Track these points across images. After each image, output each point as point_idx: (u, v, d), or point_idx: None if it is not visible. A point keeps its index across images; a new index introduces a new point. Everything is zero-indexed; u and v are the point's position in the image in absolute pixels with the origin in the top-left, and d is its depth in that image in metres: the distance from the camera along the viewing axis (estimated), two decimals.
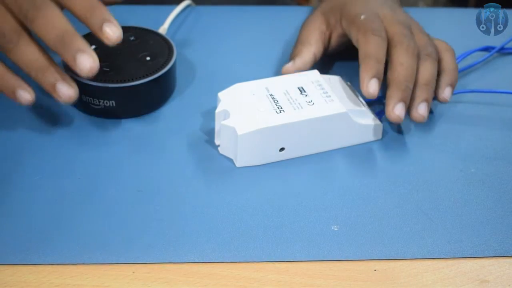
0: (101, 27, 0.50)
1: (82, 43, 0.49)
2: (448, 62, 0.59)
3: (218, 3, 0.77)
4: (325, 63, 0.64)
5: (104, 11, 0.50)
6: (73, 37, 0.49)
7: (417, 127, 0.58)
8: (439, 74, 0.58)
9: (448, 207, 0.50)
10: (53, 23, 0.49)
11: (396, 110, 0.54)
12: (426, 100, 0.55)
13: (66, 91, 0.50)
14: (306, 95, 0.55)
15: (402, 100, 0.54)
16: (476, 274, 0.46)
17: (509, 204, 0.51)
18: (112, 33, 0.50)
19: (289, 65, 0.60)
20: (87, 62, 0.49)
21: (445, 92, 0.57)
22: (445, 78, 0.58)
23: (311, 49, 0.61)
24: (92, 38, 0.60)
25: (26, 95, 0.50)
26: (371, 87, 0.54)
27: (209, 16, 0.71)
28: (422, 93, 0.55)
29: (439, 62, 0.58)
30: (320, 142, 0.54)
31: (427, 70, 0.56)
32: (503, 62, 0.66)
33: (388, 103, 0.54)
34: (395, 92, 0.54)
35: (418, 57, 0.56)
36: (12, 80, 0.50)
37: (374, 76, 0.54)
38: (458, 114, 0.60)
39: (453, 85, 0.58)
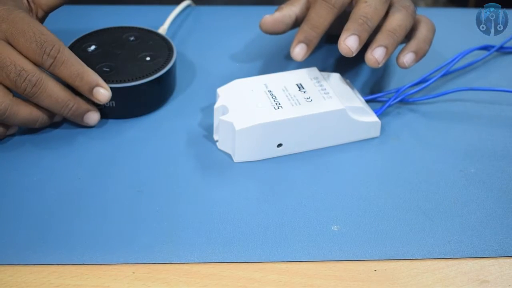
0: (91, 91, 0.53)
1: (88, 105, 0.54)
2: (421, 33, 0.56)
3: (218, 3, 0.77)
4: (324, 60, 0.65)
5: (92, 76, 0.53)
6: (78, 102, 0.54)
7: (416, 126, 0.58)
8: (408, 40, 0.56)
9: (448, 207, 0.50)
10: (56, 97, 0.52)
11: (347, 41, 0.52)
12: (385, 46, 0.53)
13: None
14: (304, 92, 0.55)
15: (357, 33, 0.52)
16: (476, 274, 0.46)
17: (509, 204, 0.51)
18: (103, 94, 0.54)
19: (267, 16, 0.59)
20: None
21: (406, 57, 0.55)
22: (412, 44, 0.56)
23: (293, 8, 0.60)
24: (92, 38, 0.60)
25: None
26: (295, 50, 0.56)
27: (209, 16, 0.71)
28: (383, 38, 0.53)
29: (412, 30, 0.56)
30: (317, 138, 0.54)
31: (396, 19, 0.54)
32: (502, 61, 0.66)
33: (341, 35, 0.53)
34: (351, 25, 0.53)
35: (389, 5, 0.54)
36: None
37: (301, 41, 0.56)
38: (458, 113, 0.60)
39: (418, 54, 0.55)
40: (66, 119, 0.55)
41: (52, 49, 0.51)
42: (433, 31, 0.58)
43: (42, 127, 0.55)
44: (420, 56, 0.57)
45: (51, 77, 0.52)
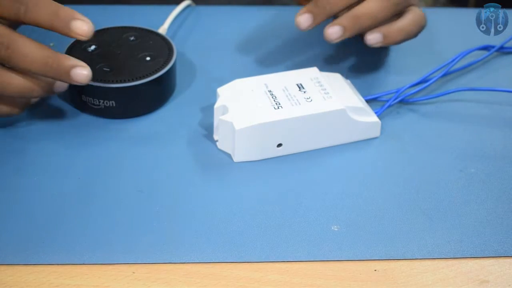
0: (69, 26, 0.50)
1: (70, 60, 0.51)
2: (401, 21, 0.57)
3: (218, 3, 0.77)
4: (325, 60, 0.65)
5: (68, 10, 0.50)
6: (57, 57, 0.50)
7: (416, 126, 0.58)
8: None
9: (448, 207, 0.50)
10: (32, 56, 0.49)
11: (300, 17, 0.55)
12: (343, 26, 0.54)
13: (84, 72, 0.51)
14: (304, 92, 0.55)
15: (311, 12, 0.54)
16: (476, 274, 0.46)
17: (509, 204, 0.51)
18: (81, 28, 0.50)
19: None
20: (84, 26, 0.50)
21: (371, 35, 0.56)
22: (383, 28, 0.56)
23: None
24: (92, 38, 0.60)
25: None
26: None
27: (209, 16, 0.71)
28: (343, 19, 0.54)
29: (396, 17, 0.57)
30: (317, 138, 0.54)
31: (365, 6, 0.55)
32: (502, 61, 0.66)
33: (300, 11, 0.55)
34: (310, 4, 0.54)
35: None
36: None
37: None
38: (458, 113, 0.60)
39: (386, 38, 0.56)
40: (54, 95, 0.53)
41: None
42: (418, 24, 0.58)
43: (43, 97, 0.53)
44: (388, 41, 0.57)
45: (24, 36, 0.50)
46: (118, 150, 0.54)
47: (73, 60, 0.51)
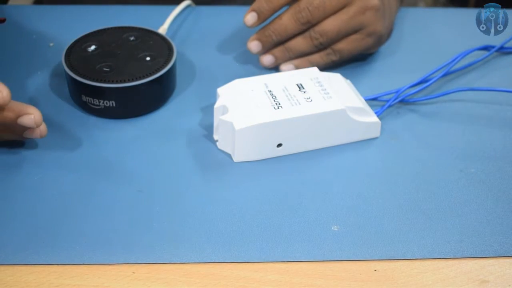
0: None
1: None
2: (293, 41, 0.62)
3: (218, 3, 0.77)
4: None
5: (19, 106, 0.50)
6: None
7: (416, 126, 0.58)
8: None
9: (448, 207, 0.50)
10: None
11: (250, 44, 0.62)
12: (275, 57, 0.62)
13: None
14: (304, 92, 0.55)
15: (259, 40, 0.62)
16: (476, 274, 0.46)
17: (509, 204, 0.51)
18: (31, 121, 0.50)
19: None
20: None
21: (264, 57, 0.63)
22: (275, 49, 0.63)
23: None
24: (92, 38, 0.61)
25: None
26: (246, 17, 0.61)
27: (209, 16, 0.71)
28: (278, 51, 0.62)
29: None
30: (317, 138, 0.54)
31: (298, 43, 0.61)
32: (502, 61, 0.66)
33: (250, 38, 0.62)
34: (259, 32, 0.62)
35: (302, 25, 0.60)
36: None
37: (254, 10, 0.61)
38: (458, 113, 0.60)
39: (277, 58, 0.62)
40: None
41: None
42: (325, 61, 0.62)
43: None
44: (261, 40, 0.62)
45: None
46: (118, 150, 0.54)
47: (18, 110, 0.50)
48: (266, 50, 0.62)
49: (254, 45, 0.62)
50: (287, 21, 0.60)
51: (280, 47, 0.62)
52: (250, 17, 0.61)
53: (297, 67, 0.62)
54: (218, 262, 0.46)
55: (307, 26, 0.60)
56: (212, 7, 0.73)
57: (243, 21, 0.61)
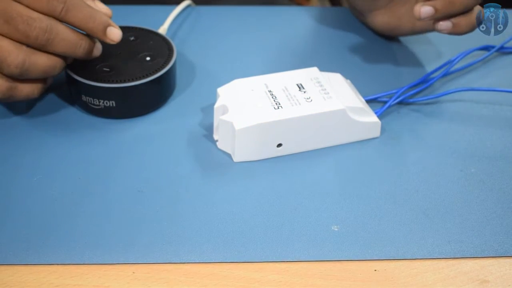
0: (104, 32, 0.54)
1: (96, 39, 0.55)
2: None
3: (218, 3, 0.77)
4: (325, 60, 0.64)
5: (103, 17, 0.53)
6: (87, 41, 0.54)
7: (416, 126, 0.58)
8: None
9: (448, 207, 0.50)
10: (69, 39, 0.52)
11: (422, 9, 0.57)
12: (436, 9, 0.56)
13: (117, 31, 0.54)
14: (304, 92, 0.55)
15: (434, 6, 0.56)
16: (477, 274, 0.46)
17: (509, 204, 0.51)
18: (114, 34, 0.54)
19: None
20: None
21: (422, 8, 0.57)
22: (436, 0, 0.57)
23: None
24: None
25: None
26: (422, 9, 0.56)
27: (209, 16, 0.71)
28: (437, 2, 0.56)
29: None
30: (317, 138, 0.54)
31: None
32: (502, 61, 0.66)
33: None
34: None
35: None
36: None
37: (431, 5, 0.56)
38: (458, 113, 0.60)
39: (438, 11, 0.57)
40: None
41: None
42: (479, 21, 0.59)
43: (85, 57, 0.54)
44: (455, 31, 0.58)
45: (59, 21, 0.52)
46: (118, 150, 0.54)
47: (96, 39, 0.55)
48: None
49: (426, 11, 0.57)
50: None
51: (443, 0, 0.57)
52: (425, 11, 0.57)
53: (454, 26, 0.58)
54: (218, 262, 0.46)
55: None
56: (212, 7, 0.73)
57: (416, 13, 0.57)
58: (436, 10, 0.56)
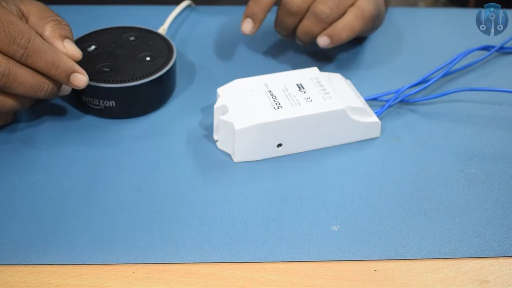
0: (68, 78, 0.52)
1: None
2: (343, 20, 0.59)
3: (218, 3, 0.77)
4: (325, 60, 0.65)
5: (68, 62, 0.52)
6: (50, 82, 0.52)
7: (416, 126, 0.58)
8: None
9: (448, 207, 0.50)
10: (29, 83, 0.51)
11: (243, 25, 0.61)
12: (250, 17, 0.60)
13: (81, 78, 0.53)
14: (304, 92, 0.55)
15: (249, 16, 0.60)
16: (477, 274, 0.46)
17: (509, 204, 0.51)
18: (79, 80, 0.53)
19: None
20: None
21: (321, 39, 0.59)
22: (328, 30, 0.59)
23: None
24: (92, 38, 0.61)
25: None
26: (242, 26, 0.60)
27: (209, 16, 0.71)
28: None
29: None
30: (317, 138, 0.54)
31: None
32: (502, 61, 0.66)
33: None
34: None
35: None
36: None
37: (247, 16, 0.60)
38: (458, 113, 0.60)
39: (332, 39, 0.59)
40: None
41: (22, 39, 0.50)
42: (362, 18, 0.59)
43: (49, 98, 0.53)
44: (335, 41, 0.59)
45: (19, 64, 0.51)
46: (118, 150, 0.54)
47: (74, 65, 0.53)
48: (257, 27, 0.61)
49: (245, 24, 0.61)
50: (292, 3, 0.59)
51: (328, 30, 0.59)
52: (246, 24, 0.60)
53: (332, 37, 0.59)
54: (218, 262, 0.46)
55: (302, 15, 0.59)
56: (212, 7, 0.73)
57: (240, 31, 0.60)
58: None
